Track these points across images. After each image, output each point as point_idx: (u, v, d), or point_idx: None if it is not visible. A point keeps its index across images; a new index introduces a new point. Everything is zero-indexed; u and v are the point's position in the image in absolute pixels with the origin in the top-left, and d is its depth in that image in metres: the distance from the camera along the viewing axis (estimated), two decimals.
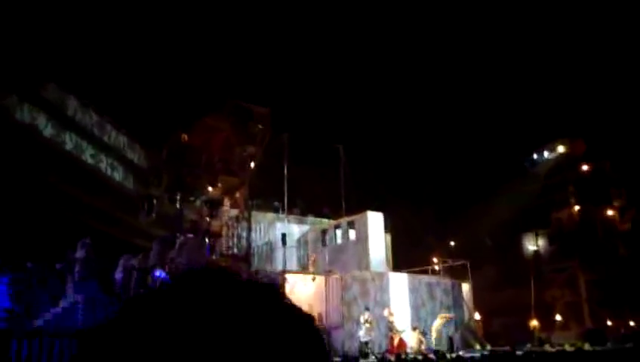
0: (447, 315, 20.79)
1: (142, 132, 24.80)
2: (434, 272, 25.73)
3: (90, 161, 21.64)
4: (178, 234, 21.83)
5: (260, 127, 27.37)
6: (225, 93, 27.96)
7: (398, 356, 16.17)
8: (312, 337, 0.79)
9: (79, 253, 16.90)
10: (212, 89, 28.34)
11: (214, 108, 27.44)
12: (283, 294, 0.83)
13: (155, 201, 22.75)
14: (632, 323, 29.28)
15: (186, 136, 26.49)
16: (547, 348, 20.28)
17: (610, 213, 37.11)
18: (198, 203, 24.31)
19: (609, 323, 30.09)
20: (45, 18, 20.37)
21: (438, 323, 20.52)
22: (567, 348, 19.98)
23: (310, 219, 26.68)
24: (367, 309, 18.90)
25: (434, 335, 20.10)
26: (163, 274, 15.46)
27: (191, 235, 22.32)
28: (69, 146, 20.33)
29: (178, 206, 23.45)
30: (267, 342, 0.72)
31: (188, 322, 0.73)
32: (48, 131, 19.40)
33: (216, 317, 0.74)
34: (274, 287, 0.84)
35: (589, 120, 39.84)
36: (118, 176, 23.05)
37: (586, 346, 20.26)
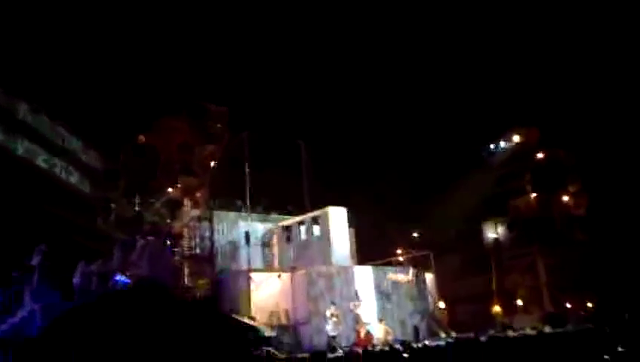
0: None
1: (97, 135, 24.25)
2: (398, 264, 26.02)
3: (43, 165, 21.03)
4: (138, 237, 21.44)
5: (219, 126, 27.11)
6: (181, 93, 27.57)
7: (365, 348, 16.28)
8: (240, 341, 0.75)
9: (35, 260, 16.41)
10: (168, 89, 27.91)
11: (171, 108, 27.04)
12: (214, 308, 0.78)
13: (112, 205, 22.31)
14: (589, 305, 30.21)
15: (143, 138, 26.02)
16: (509, 332, 20.72)
17: (565, 199, 38.15)
18: (157, 204, 23.93)
19: (568, 306, 30.98)
20: None
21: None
22: (529, 331, 20.50)
23: (274, 216, 26.58)
24: (332, 304, 18.96)
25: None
26: (123, 279, 15.15)
27: (152, 237, 21.95)
28: (20, 152, 19.71)
29: (137, 208, 23.05)
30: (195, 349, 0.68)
31: (114, 335, 0.68)
32: None
33: (147, 330, 0.69)
34: (206, 303, 0.79)
35: (543, 109, 40.89)
36: (73, 180, 22.48)
37: (547, 329, 20.81)
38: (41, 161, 20.90)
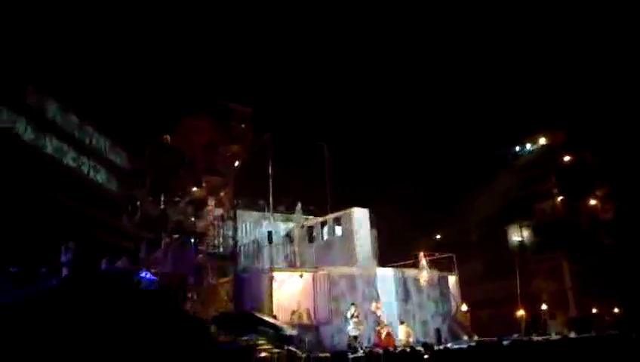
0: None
1: (124, 134, 24.63)
2: (417, 266, 25.88)
3: (71, 164, 21.43)
4: (163, 235, 21.76)
5: (243, 126, 27.35)
6: (207, 94, 27.87)
7: (386, 349, 16.25)
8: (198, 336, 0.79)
9: (64, 257, 16.74)
10: (194, 90, 28.25)
11: (196, 108, 27.36)
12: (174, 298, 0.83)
13: (138, 203, 22.64)
14: (615, 311, 29.70)
15: (168, 138, 26.38)
16: (533, 337, 20.49)
17: (592, 202, 37.57)
18: (182, 203, 24.23)
19: (594, 311, 30.49)
20: (23, 21, 20.16)
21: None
22: (553, 336, 20.25)
23: (296, 216, 26.69)
24: (353, 304, 18.97)
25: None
26: (149, 275, 15.37)
27: (176, 236, 22.25)
28: (49, 150, 20.11)
29: (162, 207, 23.36)
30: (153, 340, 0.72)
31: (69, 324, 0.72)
32: (28, 135, 19.18)
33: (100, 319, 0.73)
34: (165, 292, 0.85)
35: (570, 111, 40.33)
36: (100, 178, 22.85)
37: (572, 334, 20.53)
38: (69, 159, 21.28)
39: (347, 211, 23.69)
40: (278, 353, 14.93)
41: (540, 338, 20.03)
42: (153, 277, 15.65)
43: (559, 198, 38.25)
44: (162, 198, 23.98)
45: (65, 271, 15.55)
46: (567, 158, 39.23)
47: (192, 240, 22.39)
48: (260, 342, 16.20)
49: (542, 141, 41.51)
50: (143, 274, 15.21)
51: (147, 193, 23.71)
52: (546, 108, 42.18)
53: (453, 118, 44.81)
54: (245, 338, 16.04)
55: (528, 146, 42.57)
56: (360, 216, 23.53)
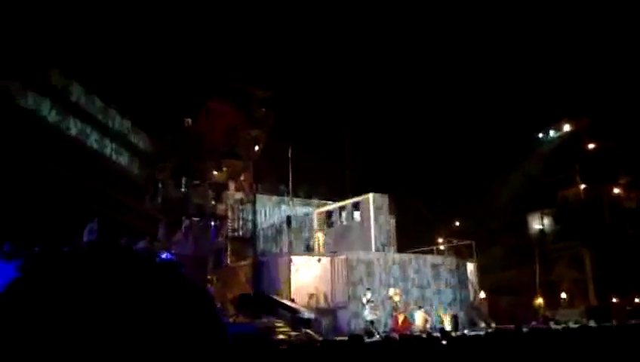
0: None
1: (146, 117, 24.85)
2: (439, 252, 25.86)
3: (95, 146, 21.72)
4: (184, 218, 22.04)
5: (264, 110, 27.40)
6: (228, 78, 27.93)
7: (402, 334, 16.32)
8: (205, 310, 0.82)
9: (87, 237, 17.06)
10: (215, 73, 28.32)
11: (218, 92, 27.45)
12: (179, 270, 0.86)
13: (160, 186, 22.90)
14: (636, 300, 29.38)
15: (190, 121, 26.57)
16: (552, 325, 20.39)
17: (616, 191, 37.02)
18: (203, 187, 24.45)
19: (614, 300, 30.20)
20: (48, 4, 20.36)
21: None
22: (572, 325, 20.11)
23: (315, 201, 26.79)
24: (368, 289, 19.04)
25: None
26: (169, 257, 15.63)
27: (197, 219, 22.51)
28: (73, 132, 20.40)
29: (183, 190, 23.60)
30: (159, 313, 0.75)
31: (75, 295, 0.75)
32: (52, 117, 19.47)
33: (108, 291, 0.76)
34: (172, 265, 0.88)
35: (595, 98, 39.59)
36: (123, 161, 23.14)
37: (591, 323, 20.37)
38: (93, 141, 21.57)
39: (366, 196, 23.71)
40: (295, 336, 15.11)
41: (558, 326, 19.93)
42: (171, 257, 15.90)
43: (582, 186, 37.75)
44: (183, 182, 24.23)
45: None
46: (591, 146, 38.63)
47: (212, 223, 22.64)
48: (278, 324, 16.41)
49: (566, 128, 40.90)
50: (163, 256, 15.46)
51: (169, 176, 23.97)
52: (570, 94, 41.43)
53: (477, 104, 44.32)
54: (264, 320, 16.26)
55: (552, 133, 41.99)
56: (379, 201, 23.53)
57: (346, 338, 15.71)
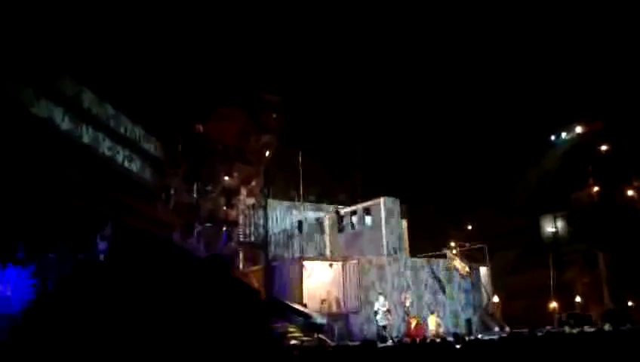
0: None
1: (157, 123, 24.98)
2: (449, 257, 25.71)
3: (107, 153, 21.84)
4: (196, 224, 22.10)
5: (274, 115, 27.45)
6: (238, 83, 28.01)
7: (415, 339, 16.23)
8: (251, 301, 0.82)
9: (101, 245, 17.15)
10: (226, 79, 28.43)
11: (228, 98, 27.53)
12: (229, 265, 0.86)
13: (172, 191, 22.98)
14: None
15: (201, 127, 26.66)
16: (567, 329, 20.19)
17: (629, 193, 36.63)
18: (214, 192, 24.52)
19: (630, 303, 29.85)
20: (58, 11, 20.53)
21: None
22: (587, 328, 19.90)
23: (326, 205, 26.79)
24: (381, 294, 18.97)
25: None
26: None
27: (208, 224, 22.56)
28: (85, 139, 20.53)
29: (195, 195, 23.67)
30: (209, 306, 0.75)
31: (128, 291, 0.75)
32: (65, 125, 19.60)
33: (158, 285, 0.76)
34: (220, 259, 0.88)
35: (608, 100, 39.20)
36: (135, 167, 23.24)
37: (607, 326, 20.15)
38: (105, 148, 21.69)
39: (377, 201, 23.68)
40: (308, 341, 15.09)
41: (573, 330, 19.72)
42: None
43: (595, 188, 37.41)
44: (195, 187, 24.31)
45: (101, 258, 15.94)
46: (604, 147, 38.31)
47: (224, 229, 22.69)
48: (291, 329, 16.39)
49: (578, 130, 40.59)
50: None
51: (180, 182, 24.06)
52: (583, 97, 41.05)
53: (489, 107, 44.07)
54: (277, 325, 16.24)
55: (565, 135, 41.69)
56: (390, 205, 23.50)
57: (358, 343, 15.68)
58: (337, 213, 25.53)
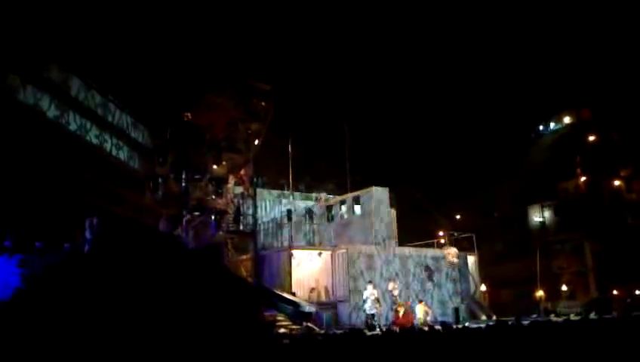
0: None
1: (145, 111, 24.79)
2: (440, 246, 25.89)
3: (94, 141, 21.67)
4: (184, 212, 21.99)
5: (264, 104, 27.29)
6: (227, 71, 27.82)
7: (403, 328, 16.33)
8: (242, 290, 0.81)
9: (88, 233, 17.04)
10: (215, 67, 28.22)
11: (217, 86, 27.32)
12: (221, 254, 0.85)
13: (160, 180, 22.81)
14: (637, 292, 29.40)
15: (189, 115, 26.46)
16: (553, 317, 20.42)
17: (616, 183, 36.99)
18: (203, 181, 24.38)
19: (615, 292, 30.23)
20: None
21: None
22: (573, 317, 20.14)
23: (315, 195, 26.78)
24: (370, 283, 19.05)
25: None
26: None
27: (197, 213, 22.46)
28: (73, 127, 20.35)
29: (183, 184, 23.53)
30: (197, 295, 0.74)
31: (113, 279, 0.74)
32: (52, 112, 19.41)
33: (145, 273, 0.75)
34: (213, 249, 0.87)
35: (596, 90, 39.45)
36: (123, 155, 23.09)
37: (592, 315, 20.40)
38: (92, 136, 21.52)
39: (367, 190, 23.70)
40: (296, 329, 15.13)
41: (559, 319, 19.95)
42: None
43: (583, 178, 37.74)
44: (183, 176, 24.16)
45: (87, 247, 15.85)
46: (592, 138, 38.59)
47: (213, 218, 22.60)
48: (279, 318, 16.43)
49: (567, 120, 40.84)
50: None
51: (169, 170, 23.90)
52: (571, 86, 41.27)
53: (478, 97, 44.19)
54: (265, 313, 16.26)
55: (553, 125, 41.93)
56: (379, 195, 23.53)
57: (346, 331, 15.75)
58: (326, 202, 25.55)
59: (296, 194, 25.58)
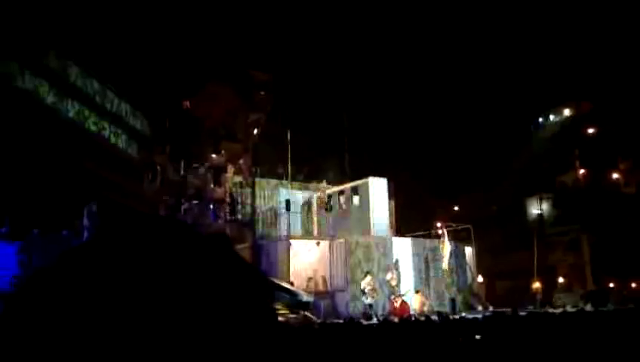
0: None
1: (144, 100, 24.72)
2: (437, 237, 25.93)
3: (93, 128, 21.60)
4: (183, 201, 22.02)
5: (263, 93, 27.25)
6: (227, 60, 27.74)
7: (400, 318, 16.40)
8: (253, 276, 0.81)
9: (86, 221, 17.02)
10: (214, 56, 28.14)
11: (216, 75, 27.26)
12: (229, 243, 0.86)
13: (159, 168, 22.82)
14: (633, 285, 29.54)
15: (188, 104, 26.42)
16: (549, 309, 20.51)
17: (615, 176, 37.03)
18: (201, 170, 24.39)
19: (611, 285, 30.36)
20: None
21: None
22: (569, 308, 20.22)
23: (314, 185, 26.79)
24: (367, 273, 19.09)
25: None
26: None
27: (195, 202, 22.49)
28: (71, 114, 20.27)
29: (182, 173, 23.55)
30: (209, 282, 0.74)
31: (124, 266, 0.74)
32: (50, 99, 19.32)
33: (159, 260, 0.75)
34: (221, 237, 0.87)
35: (596, 82, 39.36)
36: (121, 143, 23.03)
37: (588, 307, 20.50)
38: (90, 124, 21.45)
39: (365, 180, 23.70)
40: (294, 318, 15.18)
41: (555, 310, 20.03)
42: None
43: (581, 171, 37.77)
44: (182, 165, 24.16)
45: (85, 234, 15.85)
46: (590, 130, 38.57)
47: (211, 207, 22.63)
48: (277, 307, 16.46)
49: (566, 112, 40.79)
50: None
51: (167, 159, 23.89)
52: (571, 78, 41.15)
53: (477, 88, 44.06)
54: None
55: (552, 117, 41.88)
56: (378, 185, 23.53)
57: (342, 321, 15.81)
58: (325, 192, 25.55)
59: (295, 183, 25.57)
